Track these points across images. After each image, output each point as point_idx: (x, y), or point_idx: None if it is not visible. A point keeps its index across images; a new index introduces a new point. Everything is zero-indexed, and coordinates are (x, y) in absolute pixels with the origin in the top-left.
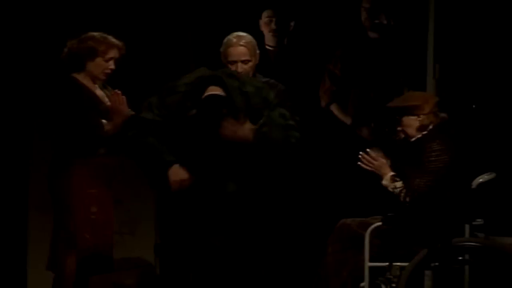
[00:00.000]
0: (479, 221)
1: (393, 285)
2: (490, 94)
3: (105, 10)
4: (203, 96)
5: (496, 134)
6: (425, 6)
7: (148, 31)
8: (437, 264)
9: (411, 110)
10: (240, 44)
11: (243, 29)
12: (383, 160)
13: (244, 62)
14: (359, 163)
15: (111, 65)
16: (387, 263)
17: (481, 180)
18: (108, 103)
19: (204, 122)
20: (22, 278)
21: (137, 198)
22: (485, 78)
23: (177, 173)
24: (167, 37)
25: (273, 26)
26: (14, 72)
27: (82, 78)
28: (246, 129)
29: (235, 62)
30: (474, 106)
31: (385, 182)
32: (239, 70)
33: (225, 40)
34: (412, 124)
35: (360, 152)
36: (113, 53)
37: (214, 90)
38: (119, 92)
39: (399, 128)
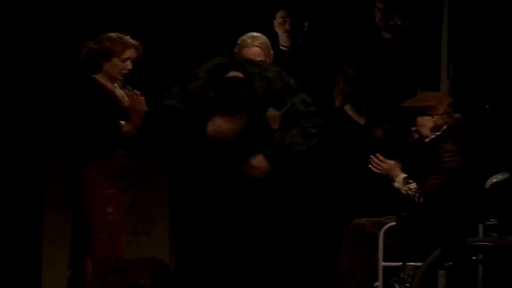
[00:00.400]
0: (492, 221)
1: (407, 284)
2: (504, 94)
3: (121, 11)
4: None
5: (510, 134)
6: (439, 7)
7: (166, 34)
8: (451, 264)
9: (426, 111)
10: (254, 45)
11: (257, 29)
12: (392, 162)
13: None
14: (369, 166)
15: (128, 65)
16: (401, 263)
17: (494, 180)
18: (127, 103)
19: (222, 103)
20: (37, 276)
21: (152, 199)
22: (499, 78)
23: (262, 161)
24: (183, 39)
25: (287, 26)
26: (31, 74)
27: (101, 78)
28: (238, 123)
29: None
30: (487, 106)
31: (397, 184)
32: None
33: (239, 40)
34: (426, 124)
35: (371, 156)
36: (129, 53)
37: (234, 75)
38: (138, 92)
39: (413, 128)
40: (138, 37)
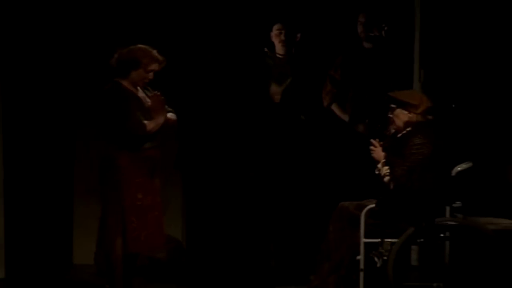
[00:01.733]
0: (458, 204)
1: (385, 258)
2: (468, 95)
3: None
4: None
5: (472, 129)
6: (412, 21)
7: (181, 46)
8: (422, 240)
9: (407, 106)
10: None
11: (258, 39)
12: (382, 153)
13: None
14: (370, 147)
15: (151, 76)
16: (379, 240)
17: (459, 168)
18: (149, 103)
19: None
20: (69, 253)
21: (167, 185)
22: (463, 81)
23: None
24: (195, 51)
25: (282, 37)
26: (64, 75)
27: (125, 83)
28: None
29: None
30: (453, 105)
31: (378, 167)
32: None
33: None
34: (402, 117)
35: (371, 140)
36: (154, 66)
37: None
38: (159, 93)
39: (390, 115)
40: (159, 44)
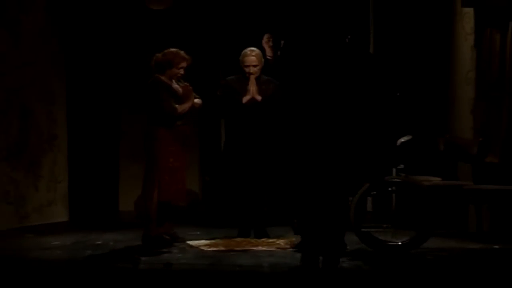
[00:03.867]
0: (401, 166)
1: (349, 204)
2: (408, 87)
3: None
4: None
5: (412, 111)
6: (368, 32)
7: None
8: (375, 193)
9: None
10: (252, 55)
11: (253, 45)
12: None
13: (254, 66)
14: None
15: (181, 71)
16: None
17: (402, 140)
18: (181, 92)
19: None
20: (115, 202)
21: (189, 152)
22: (405, 76)
23: None
24: (205, 54)
25: (270, 43)
26: (119, 69)
27: (163, 78)
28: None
29: (248, 66)
30: (398, 94)
31: None
32: (251, 71)
33: (243, 52)
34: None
35: None
36: (183, 64)
37: None
38: (188, 84)
39: None
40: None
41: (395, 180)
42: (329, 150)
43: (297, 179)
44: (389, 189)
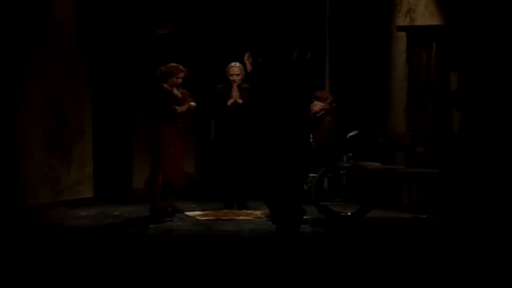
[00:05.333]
0: (350, 154)
1: (309, 185)
2: (355, 94)
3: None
4: None
5: (358, 112)
6: (324, 49)
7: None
8: (330, 175)
9: (321, 99)
10: (235, 66)
11: (236, 60)
12: None
13: (237, 75)
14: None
15: (180, 80)
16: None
17: (351, 134)
18: (180, 97)
19: None
20: (129, 182)
21: (186, 142)
22: (353, 84)
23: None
24: (199, 67)
25: (250, 60)
26: (130, 79)
27: (166, 85)
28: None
29: (232, 75)
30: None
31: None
32: (235, 79)
33: (228, 65)
34: (317, 105)
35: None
36: (181, 75)
37: None
38: (185, 90)
39: (311, 104)
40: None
41: (346, 165)
42: (284, 142)
43: (262, 164)
44: (341, 172)
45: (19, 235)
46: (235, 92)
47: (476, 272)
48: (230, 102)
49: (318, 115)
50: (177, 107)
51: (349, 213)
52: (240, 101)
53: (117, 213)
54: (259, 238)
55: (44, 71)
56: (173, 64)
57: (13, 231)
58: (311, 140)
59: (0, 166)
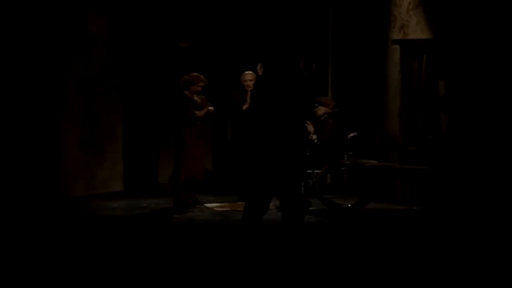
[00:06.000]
0: (350, 153)
1: (314, 180)
2: (355, 99)
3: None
4: None
5: (358, 116)
6: (327, 62)
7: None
8: (332, 171)
9: (324, 104)
10: (249, 74)
11: (250, 69)
12: (312, 128)
13: (250, 80)
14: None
15: (200, 89)
16: (311, 171)
17: (351, 135)
18: (199, 102)
19: None
20: (155, 176)
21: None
22: (354, 91)
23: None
24: (216, 76)
25: (262, 70)
26: (155, 86)
27: (187, 92)
28: None
29: (246, 81)
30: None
31: (312, 136)
32: (249, 85)
33: (243, 73)
34: (321, 109)
35: (307, 122)
36: (201, 84)
37: None
38: (204, 96)
39: (315, 109)
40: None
41: (346, 162)
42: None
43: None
44: (342, 168)
45: (63, 222)
46: (249, 98)
47: (460, 256)
48: (244, 107)
49: (322, 118)
50: (197, 112)
51: (349, 205)
52: None
53: (144, 205)
54: (269, 227)
55: (81, 79)
56: (195, 73)
57: (58, 219)
58: (315, 140)
59: (44, 163)
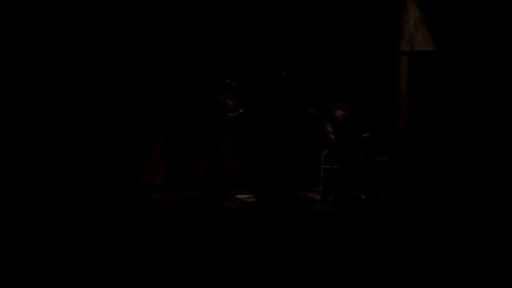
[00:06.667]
0: (364, 151)
1: (332, 174)
2: (368, 105)
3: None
4: None
5: (371, 118)
6: (345, 64)
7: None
8: (348, 167)
9: (341, 108)
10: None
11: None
12: (330, 128)
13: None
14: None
15: (232, 93)
16: (330, 166)
17: (365, 135)
18: (232, 105)
19: None
20: (194, 171)
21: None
22: (366, 96)
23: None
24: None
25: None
26: (194, 93)
27: (221, 97)
28: None
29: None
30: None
31: (330, 135)
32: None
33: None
34: (338, 112)
35: (327, 123)
36: (231, 90)
37: None
38: (236, 100)
39: (333, 112)
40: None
41: (360, 159)
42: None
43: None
44: (357, 164)
45: (117, 209)
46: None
47: (455, 236)
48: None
49: (339, 120)
50: (230, 114)
51: (363, 197)
52: None
53: (183, 196)
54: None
55: (128, 86)
56: (227, 80)
57: (113, 207)
58: (333, 139)
59: (99, 159)
